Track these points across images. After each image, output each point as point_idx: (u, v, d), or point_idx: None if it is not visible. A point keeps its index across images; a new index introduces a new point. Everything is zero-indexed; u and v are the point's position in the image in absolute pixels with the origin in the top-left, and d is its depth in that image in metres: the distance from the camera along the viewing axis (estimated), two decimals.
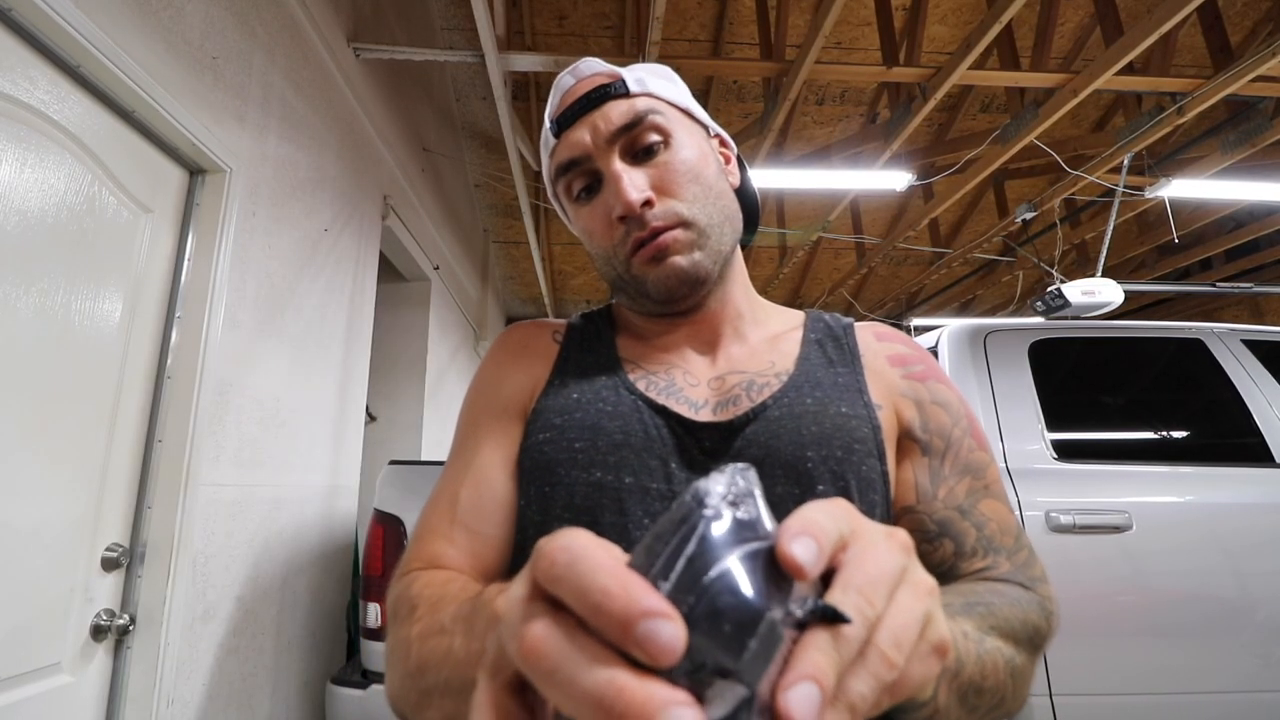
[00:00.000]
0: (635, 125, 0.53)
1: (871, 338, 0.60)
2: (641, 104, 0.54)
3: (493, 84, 2.60)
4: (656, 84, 0.56)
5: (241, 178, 1.60)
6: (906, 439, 0.54)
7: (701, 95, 4.13)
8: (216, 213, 1.53)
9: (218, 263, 1.51)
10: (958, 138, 4.08)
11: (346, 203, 2.32)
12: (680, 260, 0.52)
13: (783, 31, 3.03)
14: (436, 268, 3.70)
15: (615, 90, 0.54)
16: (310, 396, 2.03)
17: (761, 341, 0.59)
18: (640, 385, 0.55)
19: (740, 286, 0.61)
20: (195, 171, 1.53)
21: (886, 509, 0.51)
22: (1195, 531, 1.56)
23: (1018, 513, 1.55)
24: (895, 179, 3.43)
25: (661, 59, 2.74)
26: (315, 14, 2.04)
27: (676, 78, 0.60)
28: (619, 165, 0.52)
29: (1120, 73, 2.69)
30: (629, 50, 3.59)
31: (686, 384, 0.55)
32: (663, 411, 0.52)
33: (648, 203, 0.51)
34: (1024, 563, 0.50)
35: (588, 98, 0.54)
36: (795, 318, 0.63)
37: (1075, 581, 1.52)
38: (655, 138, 0.53)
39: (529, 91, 4.09)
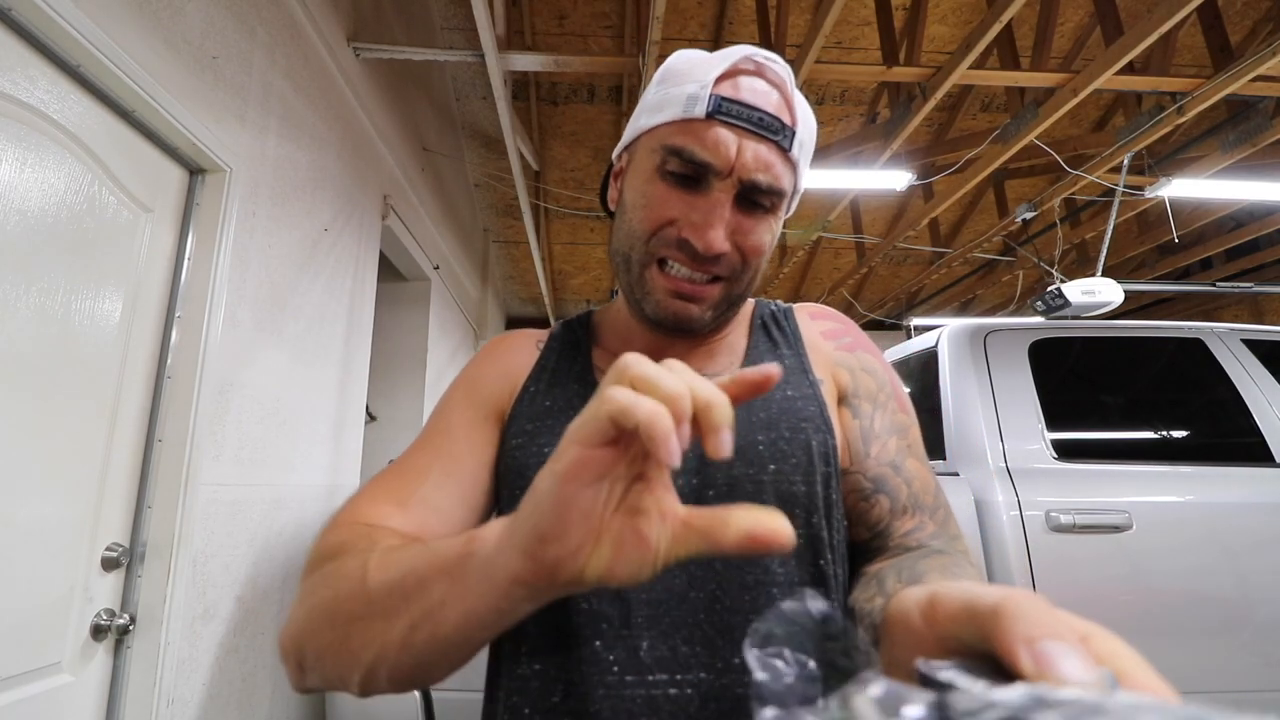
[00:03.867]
0: (767, 193, 0.51)
1: (807, 317, 0.65)
2: (786, 178, 0.52)
3: (493, 84, 2.60)
4: (807, 153, 0.54)
5: (241, 177, 1.60)
6: (841, 405, 0.58)
7: None
8: (216, 212, 1.53)
9: (218, 262, 1.51)
10: (958, 137, 4.07)
11: (346, 202, 2.32)
12: (695, 310, 0.53)
13: (783, 31, 3.03)
14: (436, 267, 3.70)
15: (784, 139, 0.50)
16: (310, 396, 2.03)
17: (720, 341, 0.62)
18: None
19: None
20: (195, 171, 1.53)
21: (839, 476, 0.54)
22: (1195, 531, 1.56)
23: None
24: (895, 178, 3.43)
25: (661, 59, 2.73)
26: (315, 14, 2.04)
27: (814, 138, 0.57)
28: (729, 211, 0.50)
29: (1120, 72, 2.68)
30: (629, 50, 3.59)
31: None
32: None
33: (720, 255, 0.51)
34: (943, 520, 0.54)
35: (763, 120, 0.49)
36: (745, 308, 0.65)
37: (1075, 581, 1.52)
38: (766, 204, 0.52)
39: (529, 91, 4.09)
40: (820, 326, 0.63)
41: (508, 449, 0.55)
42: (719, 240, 0.49)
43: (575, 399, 0.56)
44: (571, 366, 0.60)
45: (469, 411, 0.58)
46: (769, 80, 0.51)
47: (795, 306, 0.65)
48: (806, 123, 0.53)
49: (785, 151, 0.50)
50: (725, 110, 0.49)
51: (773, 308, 0.65)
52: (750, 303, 0.66)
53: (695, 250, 0.50)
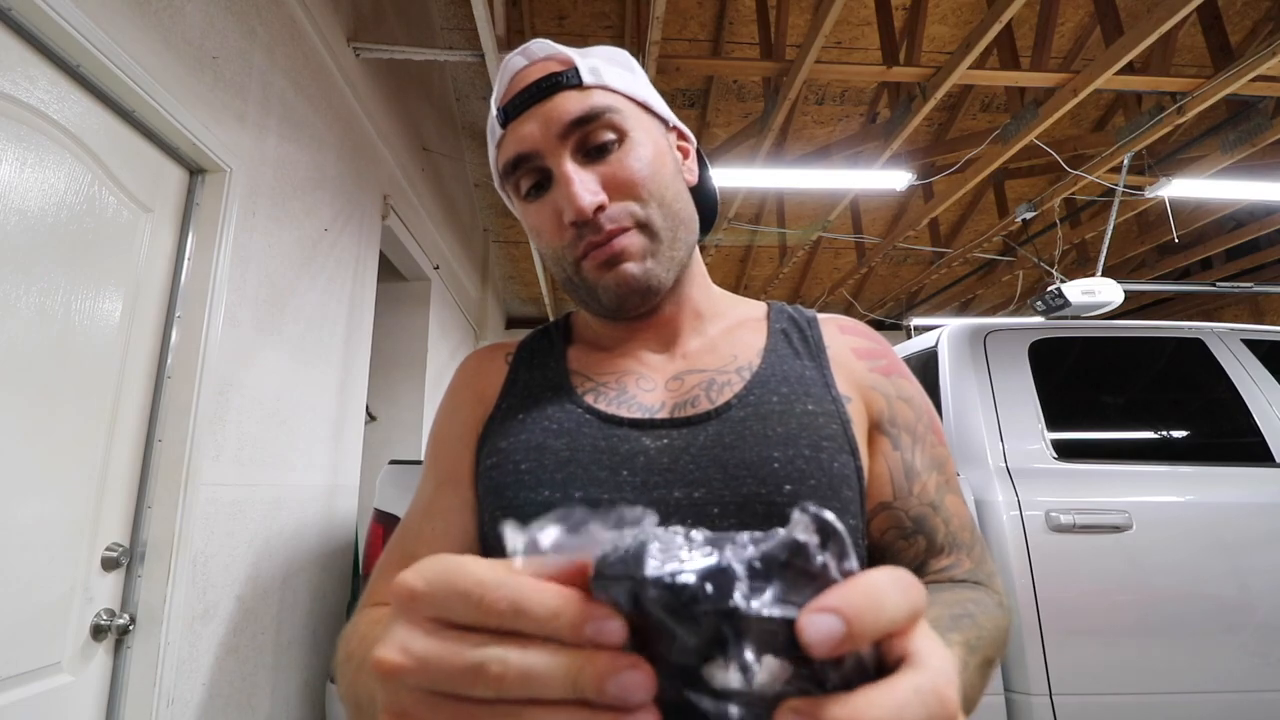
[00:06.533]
0: (588, 121, 0.50)
1: (836, 330, 0.60)
2: (596, 98, 0.50)
3: (493, 84, 2.60)
4: (612, 74, 0.52)
5: (241, 177, 1.60)
6: (876, 431, 0.54)
7: (701, 95, 4.12)
8: (216, 212, 1.53)
9: (218, 262, 1.51)
10: (958, 137, 4.07)
11: (346, 202, 2.32)
12: (633, 268, 0.51)
13: (783, 31, 3.03)
14: (436, 267, 3.70)
15: (567, 80, 0.50)
16: (310, 396, 2.03)
17: (721, 335, 0.58)
18: (589, 398, 0.54)
19: (698, 286, 0.60)
20: (195, 171, 1.53)
21: (861, 504, 0.51)
22: (1195, 531, 1.56)
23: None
24: (895, 179, 3.43)
25: (661, 59, 2.74)
26: (315, 14, 2.04)
27: (634, 64, 0.57)
28: (570, 166, 0.49)
29: (1120, 72, 2.68)
30: (629, 50, 3.59)
31: (640, 390, 0.54)
32: (612, 420, 0.51)
33: (600, 207, 0.49)
34: (979, 557, 0.52)
35: (538, 86, 0.50)
36: (757, 308, 0.62)
37: (1075, 581, 1.52)
38: (609, 136, 0.50)
39: None
40: (851, 342, 0.59)
41: (483, 469, 0.53)
42: (585, 196, 0.48)
43: (550, 406, 0.54)
44: (544, 374, 0.57)
45: (447, 454, 0.57)
46: (531, 58, 0.53)
47: (821, 317, 0.61)
48: (590, 53, 0.54)
49: (578, 86, 0.51)
50: (510, 108, 0.52)
51: (792, 312, 0.61)
52: (760, 305, 0.63)
53: (580, 223, 0.50)
